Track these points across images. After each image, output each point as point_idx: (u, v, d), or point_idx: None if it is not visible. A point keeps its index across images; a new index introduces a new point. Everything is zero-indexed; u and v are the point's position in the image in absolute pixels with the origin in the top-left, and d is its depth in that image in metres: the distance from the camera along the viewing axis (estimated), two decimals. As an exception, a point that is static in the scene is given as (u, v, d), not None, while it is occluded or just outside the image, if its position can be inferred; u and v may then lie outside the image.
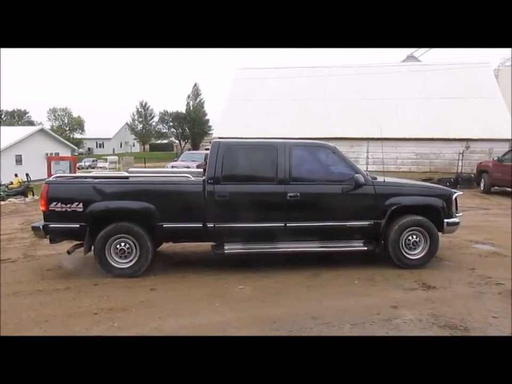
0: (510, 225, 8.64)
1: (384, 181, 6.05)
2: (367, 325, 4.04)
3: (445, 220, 5.95)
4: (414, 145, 19.08)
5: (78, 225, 5.43)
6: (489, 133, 18.89)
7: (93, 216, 5.43)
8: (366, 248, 5.80)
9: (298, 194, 5.64)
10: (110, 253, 5.52)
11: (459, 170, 18.59)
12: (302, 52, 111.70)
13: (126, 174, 6.19)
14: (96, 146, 69.31)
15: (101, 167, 39.10)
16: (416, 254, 5.85)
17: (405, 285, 5.20)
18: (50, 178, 5.80)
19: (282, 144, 5.90)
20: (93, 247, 5.57)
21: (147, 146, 71.97)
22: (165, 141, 71.48)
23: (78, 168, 26.87)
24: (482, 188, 15.21)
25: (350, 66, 23.11)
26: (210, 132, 59.64)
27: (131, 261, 5.54)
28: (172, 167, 19.35)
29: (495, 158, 14.91)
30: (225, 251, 5.63)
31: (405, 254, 5.82)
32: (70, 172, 15.21)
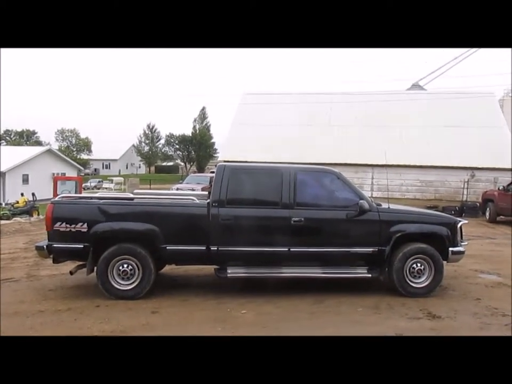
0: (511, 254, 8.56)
1: (388, 207, 6.05)
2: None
3: (450, 249, 5.89)
4: (419, 173, 19.09)
5: (82, 246, 5.41)
6: (494, 162, 18.90)
7: (96, 237, 5.42)
8: (370, 275, 5.76)
9: (303, 219, 5.63)
10: (113, 275, 5.48)
11: (464, 199, 18.54)
12: (307, 78, 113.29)
13: (131, 196, 6.22)
14: (103, 167, 69.85)
15: (106, 188, 39.31)
16: (421, 282, 5.79)
17: (410, 313, 5.13)
18: (56, 198, 5.80)
19: (287, 168, 5.95)
20: (95, 268, 5.54)
21: (153, 168, 72.48)
22: (171, 163, 72.01)
23: (84, 189, 27.03)
24: (487, 217, 15.13)
25: (354, 93, 23.41)
26: (216, 155, 60.15)
27: (133, 282, 5.49)
28: (177, 189, 19.45)
29: (501, 187, 14.91)
30: (228, 275, 5.59)
31: (409, 282, 5.76)
32: (76, 192, 15.33)
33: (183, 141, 61.77)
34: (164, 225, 5.49)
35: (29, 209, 18.94)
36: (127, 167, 72.01)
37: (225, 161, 22.16)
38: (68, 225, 5.41)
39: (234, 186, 5.70)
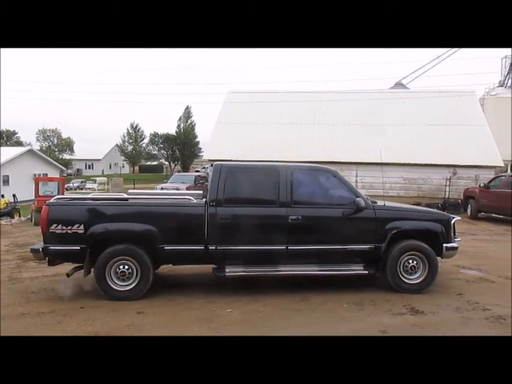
0: (497, 250, 8.72)
1: (384, 205, 6.13)
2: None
3: (444, 245, 5.99)
4: (402, 170, 19.33)
5: (79, 247, 5.35)
6: (475, 160, 19.25)
7: (93, 238, 5.37)
8: (366, 272, 5.85)
9: (300, 217, 5.66)
10: (110, 276, 5.44)
11: (446, 196, 18.82)
12: (293, 77, 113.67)
13: (126, 196, 6.17)
14: (85, 167, 69.03)
15: (89, 188, 38.84)
16: (415, 278, 5.87)
17: (394, 309, 5.20)
18: (51, 200, 5.69)
19: (284, 167, 5.96)
20: (92, 269, 5.50)
21: (137, 168, 71.86)
22: (155, 163, 71.51)
23: (66, 189, 26.66)
24: (469, 214, 15.39)
25: (340, 92, 23.56)
26: (200, 154, 59.89)
27: (131, 283, 5.47)
28: (161, 188, 19.32)
29: (482, 185, 15.18)
30: (226, 274, 5.59)
31: (403, 279, 5.84)
32: (58, 193, 15.11)
33: (167, 140, 61.34)
34: (162, 226, 5.46)
35: (10, 211, 18.61)
36: (110, 167, 71.28)
37: (209, 160, 22.12)
38: (64, 227, 5.34)
39: (231, 185, 5.70)
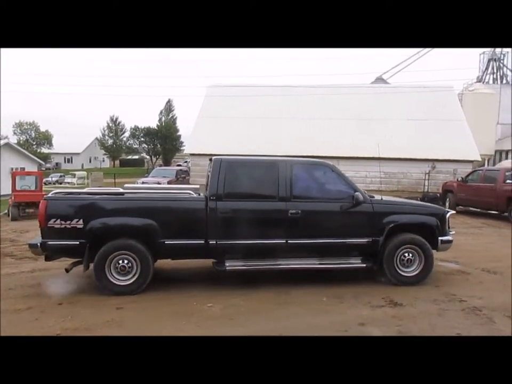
0: (474, 243, 8.90)
1: (381, 199, 6.24)
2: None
3: (440, 238, 6.11)
4: (383, 165, 19.54)
5: (78, 242, 5.31)
6: (453, 154, 19.59)
7: (93, 233, 5.33)
8: (364, 265, 5.93)
9: (299, 211, 5.70)
10: (110, 270, 5.40)
11: (425, 190, 19.12)
12: (274, 71, 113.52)
13: (121, 190, 6.12)
14: (64, 161, 67.77)
15: (68, 183, 38.19)
16: (411, 271, 5.98)
17: (373, 302, 5.26)
18: (49, 195, 5.61)
19: (283, 161, 5.99)
20: (90, 264, 5.46)
21: (117, 162, 70.93)
22: (136, 157, 70.64)
23: (45, 184, 26.19)
24: (447, 207, 15.66)
25: (320, 86, 23.65)
26: (182, 148, 59.40)
27: (131, 278, 5.45)
28: (142, 183, 19.12)
29: (459, 179, 15.47)
30: (227, 268, 5.62)
31: (400, 271, 5.94)
32: (36, 188, 14.83)
33: (149, 133, 60.60)
34: (162, 220, 5.46)
35: (-14, 206, 18.18)
36: (90, 161, 70.17)
37: (191, 155, 21.97)
38: (63, 222, 5.29)
39: (231, 179, 5.70)
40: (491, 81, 43.83)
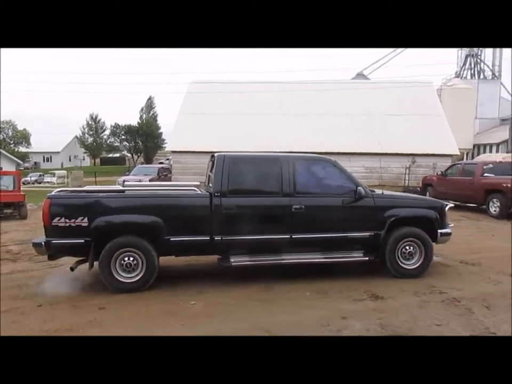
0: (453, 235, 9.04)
1: (382, 193, 6.40)
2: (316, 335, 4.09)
3: (439, 231, 6.26)
4: (364, 159, 19.75)
5: (83, 241, 5.30)
6: (433, 149, 19.89)
7: (98, 231, 5.31)
8: (367, 258, 6.04)
9: (303, 206, 5.77)
10: (116, 268, 5.41)
11: (406, 184, 19.38)
12: (256, 67, 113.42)
13: (121, 188, 6.09)
14: (43, 160, 66.55)
15: (48, 182, 37.52)
16: (412, 264, 6.11)
17: (355, 295, 5.32)
18: (53, 193, 5.56)
19: (286, 157, 6.07)
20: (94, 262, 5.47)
21: (98, 160, 69.97)
22: (117, 155, 69.79)
23: (23, 183, 25.69)
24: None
25: (304, 82, 23.73)
26: (163, 146, 58.94)
27: (137, 275, 5.46)
28: (124, 181, 18.89)
29: (439, 173, 15.72)
30: (232, 264, 5.66)
31: (401, 264, 6.06)
32: (14, 188, 14.54)
33: (129, 131, 59.89)
34: (167, 217, 5.47)
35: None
36: (70, 160, 69.06)
37: (173, 152, 21.80)
38: (67, 220, 5.26)
39: (234, 176, 5.74)
40: (469, 77, 44.60)
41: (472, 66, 46.10)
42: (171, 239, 5.48)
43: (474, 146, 34.39)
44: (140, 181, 18.05)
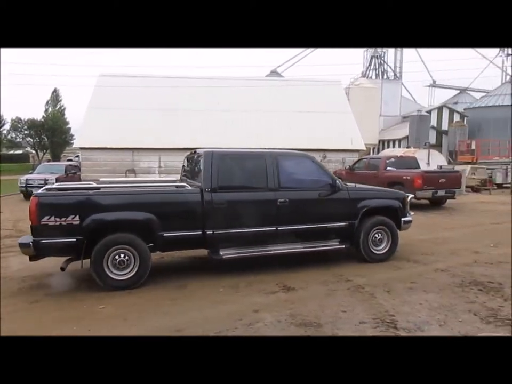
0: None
1: (355, 186, 7.05)
2: (230, 332, 4.11)
3: (402, 219, 6.90)
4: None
5: (75, 239, 5.18)
6: (342, 144, 20.93)
7: (91, 229, 5.23)
8: (343, 246, 6.54)
9: (287, 200, 6.09)
10: (108, 265, 5.35)
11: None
12: (170, 61, 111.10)
13: (95, 185, 5.86)
14: None
15: None
16: (381, 249, 6.73)
17: (267, 289, 5.43)
18: (40, 191, 5.34)
19: (270, 153, 6.36)
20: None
21: (-2, 158, 64.17)
22: (19, 151, 64.54)
23: None
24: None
25: (216, 78, 23.65)
26: (72, 142, 55.61)
27: (130, 272, 5.44)
28: (27, 180, 17.55)
29: (347, 167, 16.61)
30: (224, 257, 5.83)
31: (373, 250, 6.65)
32: None
33: (33, 126, 55.49)
34: (161, 213, 5.51)
35: None
36: (-36, 157, 62.61)
37: (81, 149, 20.62)
38: (57, 219, 5.11)
39: (223, 171, 5.91)
40: (374, 77, 47.58)
41: (377, 67, 49.26)
42: (164, 234, 5.52)
43: (379, 141, 36.80)
44: (45, 179, 16.88)
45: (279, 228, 6.09)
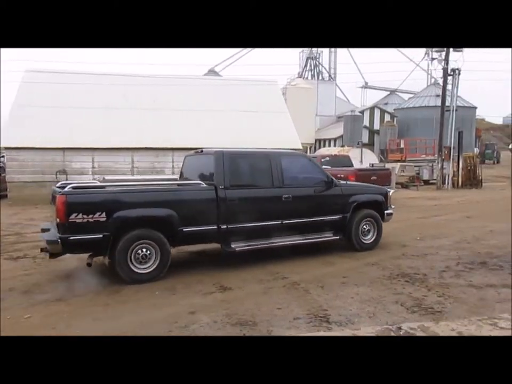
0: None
1: (346, 183, 7.96)
2: (165, 335, 4.04)
3: (385, 212, 7.70)
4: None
5: (101, 235, 5.39)
6: (279, 143, 21.21)
7: (117, 225, 5.46)
8: (337, 237, 7.19)
9: (290, 196, 6.63)
10: (131, 260, 5.56)
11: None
12: (99, 56, 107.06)
13: (99, 184, 6.15)
14: None
15: None
16: (369, 239, 7.49)
17: (204, 289, 5.40)
18: (66, 189, 5.45)
19: (273, 153, 6.97)
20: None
21: None
22: None
23: None
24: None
25: (152, 76, 23.13)
26: (-3, 141, 52.05)
27: (151, 266, 5.70)
28: None
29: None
30: (237, 249, 6.24)
31: (362, 240, 7.38)
32: None
33: (-48, 124, 51.52)
34: (180, 209, 5.83)
35: None
36: None
37: (6, 148, 19.36)
38: (85, 216, 5.30)
39: (233, 170, 6.35)
40: (310, 77, 48.83)
41: (312, 68, 50.61)
42: (184, 230, 5.85)
43: (316, 140, 37.85)
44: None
45: (283, 222, 6.60)
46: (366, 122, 37.03)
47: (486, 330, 4.02)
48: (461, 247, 7.76)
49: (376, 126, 37.20)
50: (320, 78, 49.50)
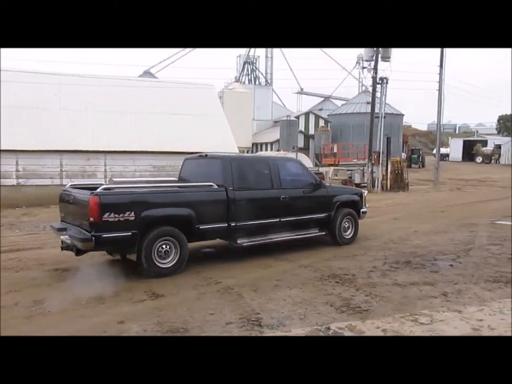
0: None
1: (330, 184, 9.24)
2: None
3: (361, 210, 8.71)
4: (152, 158, 19.73)
5: (130, 233, 5.81)
6: (216, 147, 21.17)
7: (145, 223, 5.92)
8: (323, 233, 8.10)
9: (287, 196, 7.41)
10: (155, 255, 6.02)
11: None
12: (30, 53, 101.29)
13: (105, 185, 6.37)
14: None
15: None
16: (348, 234, 8.44)
17: (134, 297, 5.23)
18: (99, 190, 5.82)
19: (271, 158, 8.40)
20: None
21: None
22: None
23: None
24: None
25: (85, 76, 22.20)
26: None
27: (172, 260, 6.21)
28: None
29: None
30: (244, 244, 6.95)
31: (344, 235, 8.33)
32: None
33: None
34: (197, 208, 6.40)
35: None
36: None
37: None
38: (116, 215, 5.70)
39: (239, 173, 7.03)
40: (247, 82, 49.27)
41: (249, 72, 51.10)
42: (200, 227, 6.42)
43: (253, 144, 38.22)
44: None
45: (281, 219, 7.35)
46: (302, 127, 37.95)
47: (407, 327, 4.24)
48: (388, 247, 8.16)
49: (311, 131, 38.24)
50: (257, 83, 50.11)
